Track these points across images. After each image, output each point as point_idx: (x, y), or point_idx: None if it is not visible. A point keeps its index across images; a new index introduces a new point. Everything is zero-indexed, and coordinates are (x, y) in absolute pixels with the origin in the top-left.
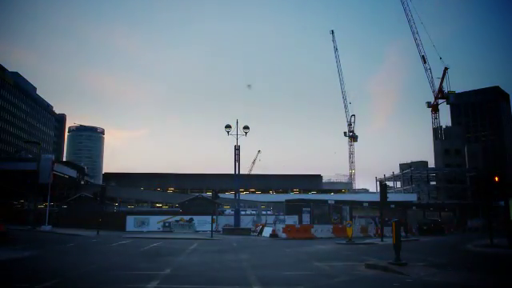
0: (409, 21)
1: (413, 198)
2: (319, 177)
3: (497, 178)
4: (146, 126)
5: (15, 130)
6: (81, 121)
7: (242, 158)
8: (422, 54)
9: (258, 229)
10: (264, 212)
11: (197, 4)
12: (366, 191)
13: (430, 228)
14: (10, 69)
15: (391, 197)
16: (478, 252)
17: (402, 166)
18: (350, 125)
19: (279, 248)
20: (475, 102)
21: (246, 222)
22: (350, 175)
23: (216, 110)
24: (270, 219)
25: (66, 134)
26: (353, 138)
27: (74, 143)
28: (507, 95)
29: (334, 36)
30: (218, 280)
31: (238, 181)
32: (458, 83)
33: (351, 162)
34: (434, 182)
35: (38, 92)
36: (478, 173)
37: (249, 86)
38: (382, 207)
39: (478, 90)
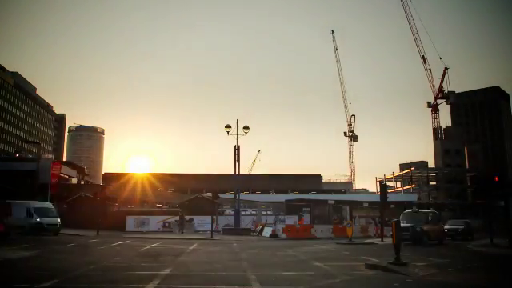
0: (409, 21)
1: (413, 198)
2: (319, 177)
3: (497, 178)
4: (145, 125)
5: (15, 130)
6: (81, 121)
7: (242, 158)
8: (422, 54)
9: (258, 229)
10: (264, 212)
11: (198, 2)
12: (365, 191)
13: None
14: (10, 69)
15: (391, 197)
16: (479, 252)
17: (402, 166)
18: (349, 125)
19: (279, 248)
20: (475, 102)
21: (246, 222)
22: (350, 175)
23: (216, 109)
24: (270, 219)
25: (66, 134)
26: (353, 138)
27: (73, 143)
28: (507, 95)
29: (333, 36)
30: (218, 280)
31: (237, 181)
32: (458, 83)
33: (351, 162)
34: (434, 182)
35: (37, 92)
36: (478, 173)
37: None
38: (382, 207)
39: (478, 89)
